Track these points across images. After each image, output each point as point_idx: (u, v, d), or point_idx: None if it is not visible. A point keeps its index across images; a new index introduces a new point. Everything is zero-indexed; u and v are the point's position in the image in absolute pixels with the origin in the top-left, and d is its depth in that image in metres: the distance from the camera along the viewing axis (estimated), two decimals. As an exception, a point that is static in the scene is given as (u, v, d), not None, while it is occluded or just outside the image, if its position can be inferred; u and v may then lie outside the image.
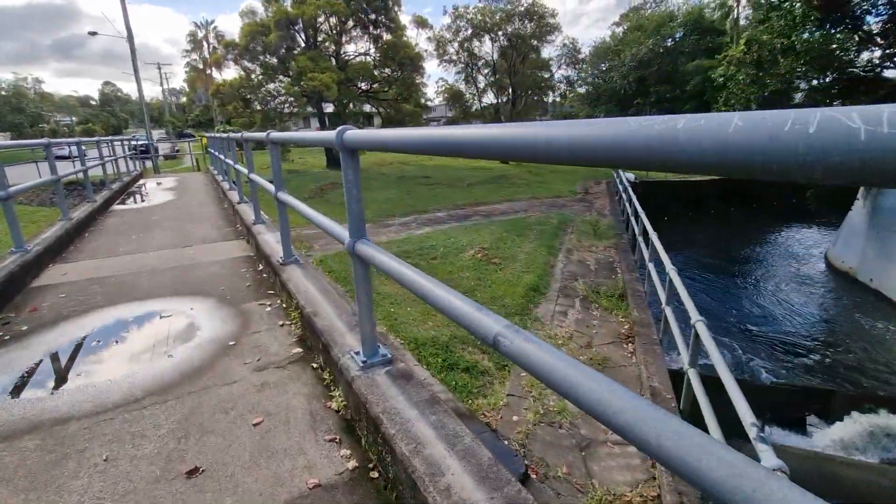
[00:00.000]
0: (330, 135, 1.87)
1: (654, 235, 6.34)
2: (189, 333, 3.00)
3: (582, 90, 44.90)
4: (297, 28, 21.11)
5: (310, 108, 23.80)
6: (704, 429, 3.72)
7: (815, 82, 12.47)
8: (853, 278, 13.80)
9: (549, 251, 9.06)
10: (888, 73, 13.33)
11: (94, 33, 22.51)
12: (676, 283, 4.22)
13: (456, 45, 24.68)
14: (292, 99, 19.91)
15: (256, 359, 2.61)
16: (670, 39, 40.36)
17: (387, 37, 22.88)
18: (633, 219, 9.82)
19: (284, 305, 3.38)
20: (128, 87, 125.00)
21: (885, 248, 12.45)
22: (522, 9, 23.79)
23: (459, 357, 4.80)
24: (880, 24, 13.21)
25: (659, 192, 19.85)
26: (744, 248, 19.06)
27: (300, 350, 2.71)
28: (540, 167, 25.56)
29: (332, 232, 2.11)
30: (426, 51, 25.04)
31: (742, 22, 35.91)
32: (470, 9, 24.40)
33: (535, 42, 25.19)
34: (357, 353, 2.08)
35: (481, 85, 26.28)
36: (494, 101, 26.48)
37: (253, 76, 21.22)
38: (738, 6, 35.96)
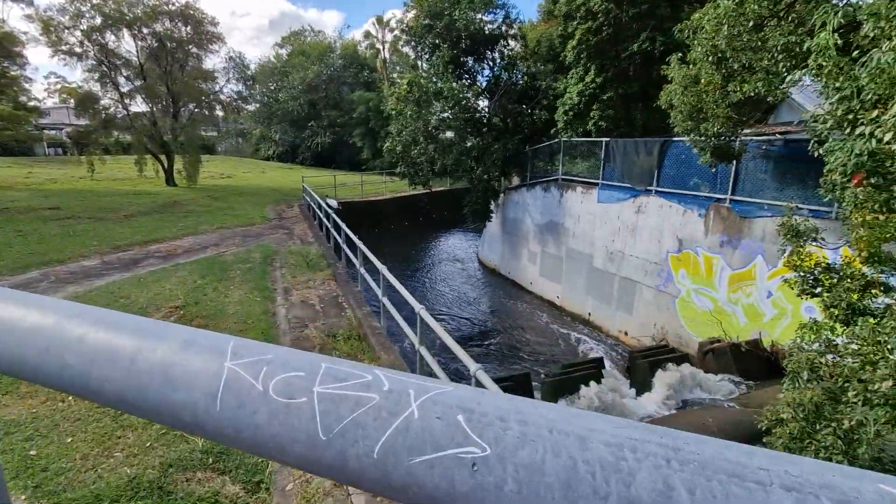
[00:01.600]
0: None
1: (384, 269, 6.27)
2: None
3: (252, 108, 42.92)
4: None
5: None
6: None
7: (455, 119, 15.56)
8: (498, 272, 18.18)
9: (263, 295, 7.85)
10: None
11: None
12: (436, 329, 4.13)
13: (79, 33, 18.83)
14: None
15: None
16: (332, 68, 43.44)
17: (-58, 0, 15.22)
18: (345, 246, 9.68)
19: None
20: None
21: (513, 249, 16.88)
22: (174, 8, 20.35)
23: (188, 494, 3.33)
24: (486, 83, 18.04)
25: (349, 212, 20.82)
26: (421, 255, 22.43)
27: None
28: (222, 191, 22.55)
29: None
30: (26, 34, 18.12)
31: (388, 65, 42.27)
32: (96, -9, 19.05)
33: (194, 49, 22.08)
34: None
35: (125, 89, 21.08)
36: (148, 110, 21.76)
37: None
38: (384, 49, 42.11)
